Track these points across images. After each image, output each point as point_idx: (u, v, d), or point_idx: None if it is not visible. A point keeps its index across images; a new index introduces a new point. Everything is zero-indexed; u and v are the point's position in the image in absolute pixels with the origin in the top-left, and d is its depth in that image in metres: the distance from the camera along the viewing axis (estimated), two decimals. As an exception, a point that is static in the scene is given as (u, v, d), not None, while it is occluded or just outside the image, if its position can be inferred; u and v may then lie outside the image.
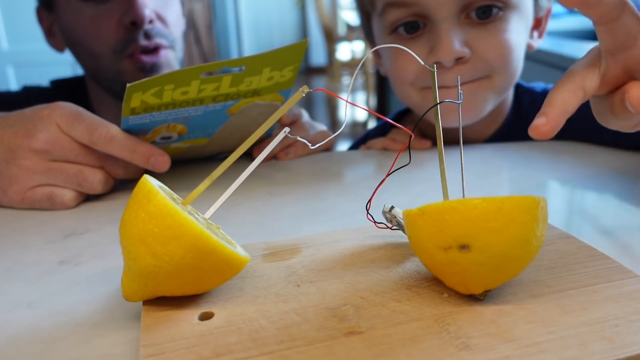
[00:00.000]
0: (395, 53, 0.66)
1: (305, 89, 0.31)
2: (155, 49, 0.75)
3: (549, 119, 0.33)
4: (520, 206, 0.28)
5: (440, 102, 0.33)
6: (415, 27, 0.63)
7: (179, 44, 0.80)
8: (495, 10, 0.61)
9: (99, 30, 0.74)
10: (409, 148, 0.34)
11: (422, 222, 0.30)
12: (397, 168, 0.35)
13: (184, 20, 0.87)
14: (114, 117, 0.53)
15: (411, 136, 0.34)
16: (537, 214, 0.29)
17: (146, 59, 0.74)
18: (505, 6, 0.62)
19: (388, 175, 0.35)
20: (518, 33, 0.64)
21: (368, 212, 0.37)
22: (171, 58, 0.77)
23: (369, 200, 0.36)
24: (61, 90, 0.86)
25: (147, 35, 0.74)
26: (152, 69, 0.75)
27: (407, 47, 0.32)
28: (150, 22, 0.73)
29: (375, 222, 0.37)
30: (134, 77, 0.74)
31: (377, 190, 0.36)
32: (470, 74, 0.62)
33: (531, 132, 0.34)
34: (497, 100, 0.67)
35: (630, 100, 0.34)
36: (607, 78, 0.36)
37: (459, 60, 0.61)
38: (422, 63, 0.34)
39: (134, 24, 0.72)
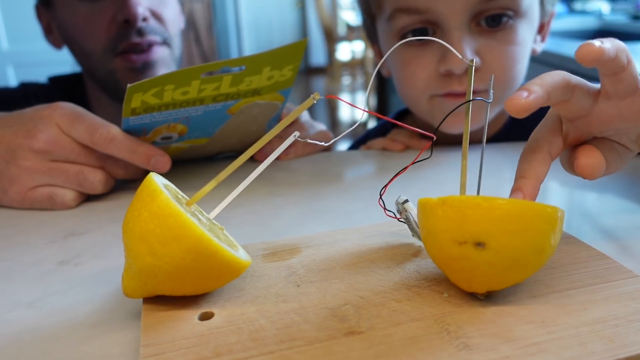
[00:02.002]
0: (405, 60, 0.66)
1: (316, 96, 0.31)
2: (147, 47, 0.74)
3: (525, 193, 0.35)
4: (543, 214, 0.28)
5: (472, 100, 0.33)
6: (424, 33, 0.63)
7: (177, 42, 0.79)
8: (505, 19, 0.61)
9: (92, 28, 0.73)
10: (431, 147, 0.35)
11: (442, 213, 0.30)
12: (420, 160, 0.35)
13: (183, 18, 0.87)
14: (111, 115, 0.53)
15: (433, 138, 0.34)
16: (557, 225, 0.29)
17: (136, 57, 0.74)
18: (515, 15, 0.62)
19: (413, 163, 0.36)
20: (525, 43, 0.64)
21: (381, 197, 0.37)
22: (166, 54, 0.76)
23: (386, 186, 0.36)
24: (59, 86, 0.86)
25: (140, 33, 0.73)
26: (143, 67, 0.74)
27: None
28: (144, 20, 0.73)
29: (385, 208, 0.37)
30: (125, 76, 0.74)
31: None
32: (478, 83, 0.62)
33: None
34: (499, 109, 0.68)
35: (577, 170, 0.37)
36: (568, 140, 0.38)
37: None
38: (460, 57, 0.35)
39: (127, 22, 0.72)
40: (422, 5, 0.60)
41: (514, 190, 0.35)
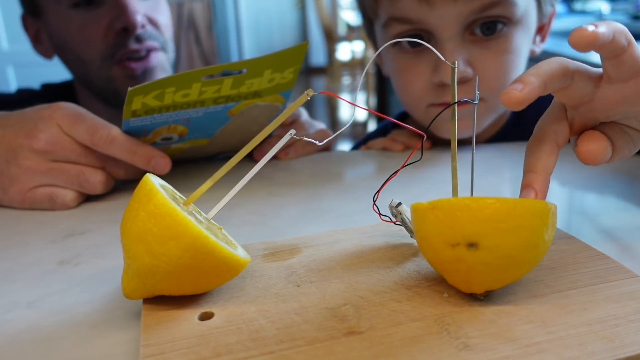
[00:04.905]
0: (400, 68, 0.66)
1: (310, 92, 0.31)
2: (145, 54, 0.75)
3: (537, 190, 0.34)
4: (532, 210, 0.28)
5: (457, 102, 0.33)
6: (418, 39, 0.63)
7: (170, 46, 0.80)
8: (499, 26, 0.61)
9: (88, 36, 0.73)
10: (422, 147, 0.35)
11: (433, 217, 0.30)
12: (410, 163, 0.35)
13: (172, 23, 0.88)
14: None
15: (424, 137, 0.34)
16: (548, 219, 0.29)
17: (135, 65, 0.74)
18: (509, 22, 0.61)
19: (402, 167, 0.35)
20: (520, 51, 0.64)
21: (375, 203, 0.37)
22: (163, 60, 0.77)
23: (378, 192, 0.36)
24: (50, 94, 0.86)
25: (139, 39, 0.73)
26: (143, 74, 0.75)
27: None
28: (142, 27, 0.73)
29: (380, 213, 0.37)
30: (125, 84, 0.74)
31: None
32: (469, 93, 0.62)
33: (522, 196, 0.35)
34: (495, 116, 0.68)
35: (579, 157, 0.36)
36: (574, 127, 0.37)
37: (462, 79, 0.61)
38: (442, 59, 0.34)
39: (126, 29, 0.72)
40: (415, 16, 0.61)
41: (524, 187, 0.35)
